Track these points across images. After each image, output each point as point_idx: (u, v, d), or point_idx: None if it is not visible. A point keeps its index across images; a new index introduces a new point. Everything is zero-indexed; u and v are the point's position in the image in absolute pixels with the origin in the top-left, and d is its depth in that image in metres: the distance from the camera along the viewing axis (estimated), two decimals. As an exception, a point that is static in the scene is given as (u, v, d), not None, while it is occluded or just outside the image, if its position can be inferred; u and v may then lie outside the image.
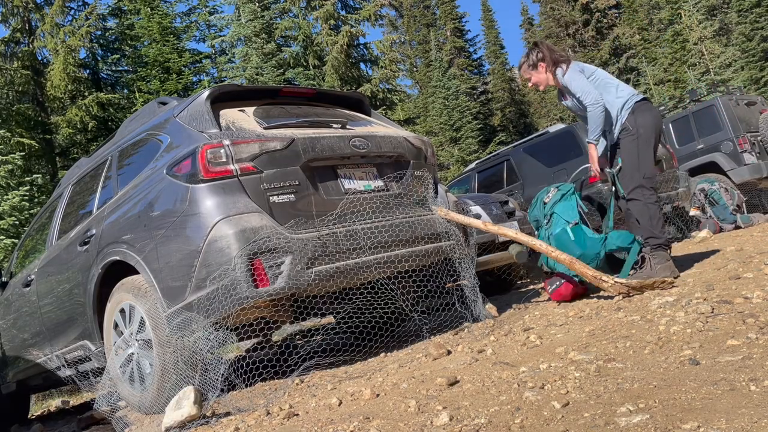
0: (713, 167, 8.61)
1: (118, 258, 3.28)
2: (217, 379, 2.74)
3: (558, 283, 3.61)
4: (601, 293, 3.49)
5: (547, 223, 3.76)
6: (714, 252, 4.36)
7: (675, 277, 3.36)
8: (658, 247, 3.49)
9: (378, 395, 2.29)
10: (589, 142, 3.79)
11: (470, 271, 3.59)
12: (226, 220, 2.85)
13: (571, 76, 3.69)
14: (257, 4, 19.88)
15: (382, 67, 20.14)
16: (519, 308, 4.03)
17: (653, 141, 3.60)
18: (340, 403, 2.30)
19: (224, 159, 2.95)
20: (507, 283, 6.07)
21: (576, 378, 1.93)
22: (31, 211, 12.09)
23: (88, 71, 17.97)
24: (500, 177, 8.16)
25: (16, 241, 10.88)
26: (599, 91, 3.65)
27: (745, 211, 7.23)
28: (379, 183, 3.46)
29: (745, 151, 8.38)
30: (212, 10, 21.71)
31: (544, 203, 3.84)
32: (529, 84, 3.95)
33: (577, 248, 3.52)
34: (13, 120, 15.77)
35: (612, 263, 3.60)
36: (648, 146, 3.57)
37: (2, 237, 11.47)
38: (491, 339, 3.02)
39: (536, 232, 3.94)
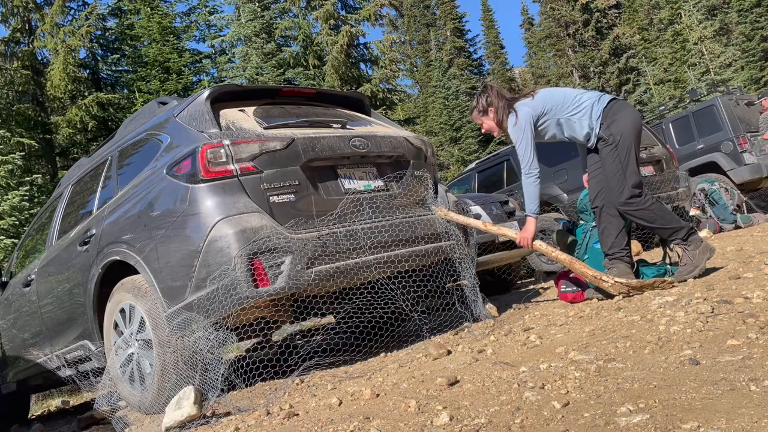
0: (713, 167, 8.61)
1: (118, 258, 3.28)
2: (217, 379, 2.74)
3: (573, 288, 3.58)
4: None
5: (595, 225, 3.62)
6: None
7: (712, 254, 3.33)
8: (687, 234, 3.30)
9: (378, 395, 2.29)
10: (527, 216, 3.47)
11: (471, 271, 3.59)
12: (226, 220, 2.85)
13: (516, 134, 3.40)
14: (257, 4, 19.87)
15: (382, 67, 20.12)
16: (519, 308, 4.03)
17: (634, 144, 3.34)
18: (340, 403, 2.30)
19: (224, 159, 2.95)
20: (507, 283, 6.08)
21: (576, 378, 1.93)
22: (31, 211, 12.09)
23: (88, 71, 17.97)
24: (500, 177, 8.16)
25: (16, 241, 10.88)
26: (558, 116, 3.40)
27: (745, 211, 7.23)
28: (379, 183, 3.46)
29: (745, 151, 8.38)
30: (212, 10, 21.70)
31: None
32: (483, 130, 3.65)
33: None
34: (13, 120, 15.77)
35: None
36: (629, 152, 3.31)
37: (2, 237, 11.47)
38: (491, 339, 3.02)
39: (578, 216, 3.81)
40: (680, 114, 9.73)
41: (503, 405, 1.84)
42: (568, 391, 1.84)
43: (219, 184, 2.93)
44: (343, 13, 20.58)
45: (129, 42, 18.34)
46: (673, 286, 3.13)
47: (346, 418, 2.04)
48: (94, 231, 3.57)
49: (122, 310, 3.31)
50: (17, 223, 11.89)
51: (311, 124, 3.41)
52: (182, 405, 2.55)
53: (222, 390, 2.77)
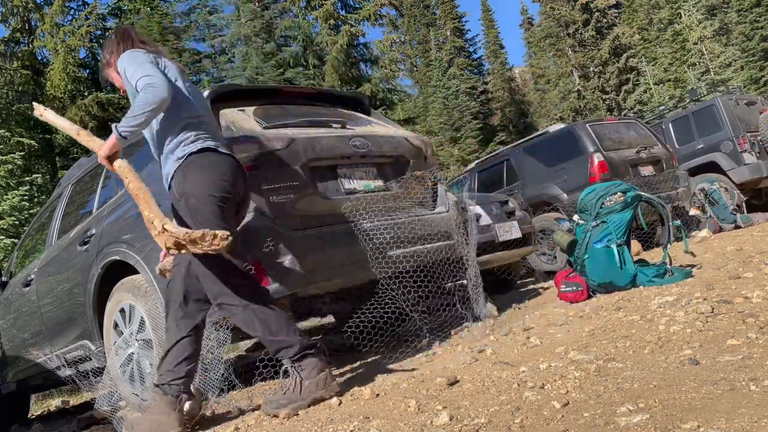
0: (713, 167, 8.61)
1: (117, 258, 3.28)
2: (217, 379, 2.74)
3: (574, 287, 3.57)
4: (600, 294, 3.49)
5: (595, 225, 3.61)
6: (714, 252, 4.36)
7: (337, 394, 2.37)
8: (300, 353, 2.35)
9: (378, 395, 2.29)
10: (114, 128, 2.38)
11: (472, 270, 3.59)
12: (226, 220, 2.85)
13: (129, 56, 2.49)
14: (257, 3, 19.88)
15: (382, 67, 20.14)
16: (519, 308, 4.03)
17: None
18: (340, 403, 2.30)
19: (224, 159, 2.95)
20: (507, 283, 6.07)
21: (576, 378, 1.93)
22: (31, 211, 12.10)
23: (88, 71, 17.97)
24: (500, 177, 8.16)
25: (16, 241, 10.89)
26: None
27: (745, 211, 7.22)
28: (379, 183, 3.46)
29: (745, 150, 8.38)
30: (212, 10, 21.73)
31: (603, 204, 3.60)
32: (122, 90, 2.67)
33: (609, 273, 3.45)
34: (13, 120, 15.78)
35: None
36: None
37: (2, 237, 11.49)
38: (491, 339, 3.02)
39: (578, 216, 3.79)
40: (680, 114, 9.73)
41: (503, 405, 1.84)
42: (568, 391, 1.84)
43: (219, 184, 2.92)
44: (343, 12, 20.59)
45: (129, 42, 18.32)
46: (226, 240, 2.20)
47: (346, 418, 2.04)
48: (93, 231, 3.57)
49: (122, 310, 3.31)
50: (17, 223, 11.90)
51: (311, 123, 3.41)
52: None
53: (222, 390, 2.77)
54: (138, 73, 2.38)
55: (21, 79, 16.44)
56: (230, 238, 2.19)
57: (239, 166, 2.57)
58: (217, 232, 2.19)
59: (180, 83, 2.56)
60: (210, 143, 2.48)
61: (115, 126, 2.39)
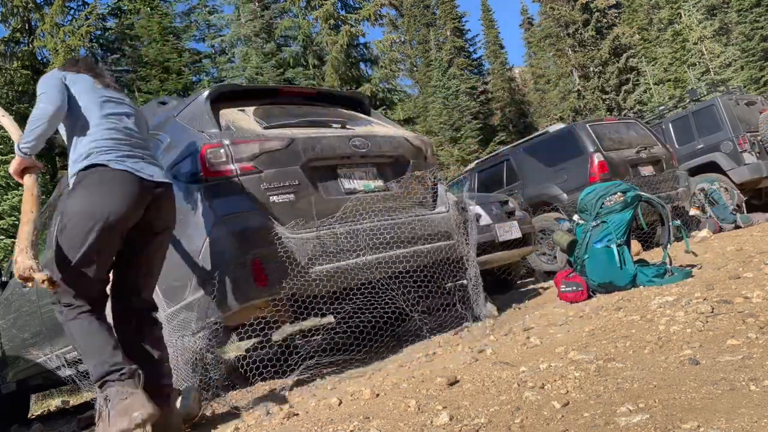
0: (713, 167, 8.61)
1: (118, 258, 3.27)
2: (217, 379, 2.74)
3: (574, 287, 3.57)
4: (600, 294, 3.49)
5: (595, 225, 3.60)
6: (714, 252, 4.36)
7: (138, 426, 2.05)
8: (101, 380, 2.14)
9: (378, 395, 2.29)
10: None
11: (472, 270, 3.59)
12: (227, 219, 2.85)
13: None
14: (257, 3, 19.90)
15: (382, 67, 20.15)
16: (519, 308, 4.03)
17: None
18: (340, 402, 2.30)
19: (224, 159, 2.95)
20: (507, 283, 6.07)
21: (576, 378, 1.93)
22: (31, 211, 12.08)
23: (87, 71, 17.94)
24: (500, 177, 8.16)
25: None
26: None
27: (745, 211, 7.22)
28: (379, 183, 3.46)
29: (745, 150, 8.38)
30: (212, 10, 21.74)
31: (603, 204, 3.60)
32: None
33: (609, 273, 3.45)
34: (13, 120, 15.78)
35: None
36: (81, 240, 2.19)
37: (2, 237, 11.48)
38: (491, 339, 3.02)
39: (578, 216, 3.78)
40: (680, 114, 9.73)
41: (503, 405, 1.84)
42: (567, 391, 1.84)
43: (219, 184, 2.92)
44: (343, 13, 20.61)
45: (129, 42, 18.36)
46: (42, 283, 2.07)
47: (346, 418, 2.04)
48: (94, 231, 3.56)
49: (122, 310, 3.30)
50: (17, 223, 11.89)
51: (311, 123, 3.41)
52: (182, 404, 2.55)
53: (222, 390, 2.77)
54: (39, 92, 2.39)
55: (21, 79, 16.45)
56: (46, 282, 2.04)
57: (140, 183, 2.31)
58: (38, 275, 2.05)
59: (88, 96, 2.44)
60: (105, 157, 2.28)
61: (17, 144, 2.34)
